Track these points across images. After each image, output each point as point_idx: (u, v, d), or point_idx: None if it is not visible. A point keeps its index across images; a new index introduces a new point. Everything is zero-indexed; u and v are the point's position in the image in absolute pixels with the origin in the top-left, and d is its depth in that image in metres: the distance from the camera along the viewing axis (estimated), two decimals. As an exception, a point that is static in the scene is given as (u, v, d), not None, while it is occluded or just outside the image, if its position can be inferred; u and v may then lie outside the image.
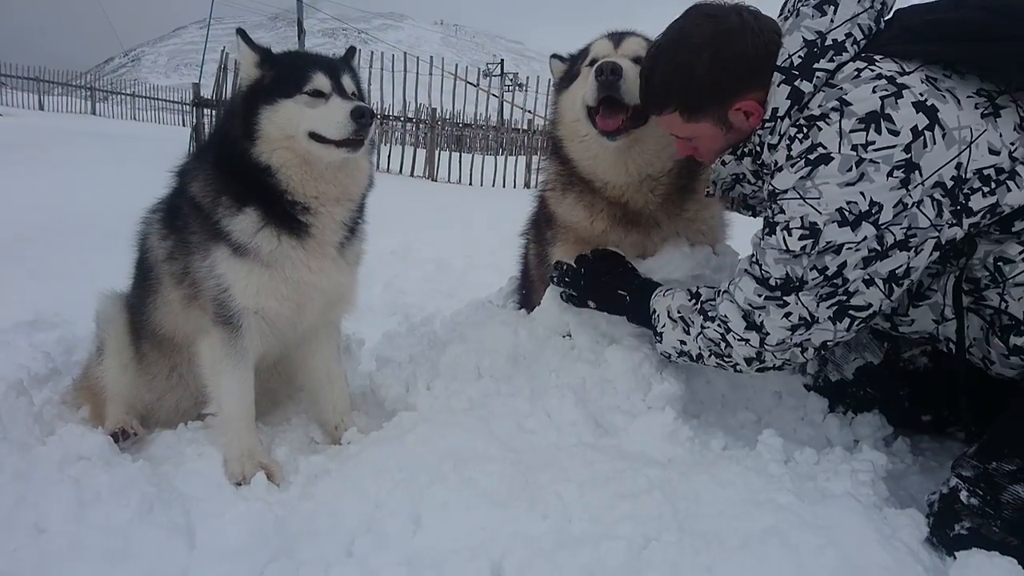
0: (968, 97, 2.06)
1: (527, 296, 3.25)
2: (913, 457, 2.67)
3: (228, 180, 2.54)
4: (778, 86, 2.17)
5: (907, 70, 2.07)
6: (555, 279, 2.79)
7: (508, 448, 2.36)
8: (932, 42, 2.11)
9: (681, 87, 2.28)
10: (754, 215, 3.16)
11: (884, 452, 2.47)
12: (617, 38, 2.72)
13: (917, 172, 1.99)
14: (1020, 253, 2.08)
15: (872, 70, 2.07)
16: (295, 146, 2.49)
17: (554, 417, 2.52)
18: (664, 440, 2.50)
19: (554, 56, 3.03)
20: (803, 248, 2.10)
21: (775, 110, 2.19)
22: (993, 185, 2.02)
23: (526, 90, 17.33)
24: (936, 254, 2.11)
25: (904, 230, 2.04)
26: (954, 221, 2.06)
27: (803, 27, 2.18)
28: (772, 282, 2.18)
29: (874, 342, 2.74)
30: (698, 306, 2.42)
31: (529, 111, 16.73)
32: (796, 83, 2.15)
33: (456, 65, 17.43)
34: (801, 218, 2.09)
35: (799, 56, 2.16)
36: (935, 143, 1.99)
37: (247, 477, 2.40)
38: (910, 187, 2.00)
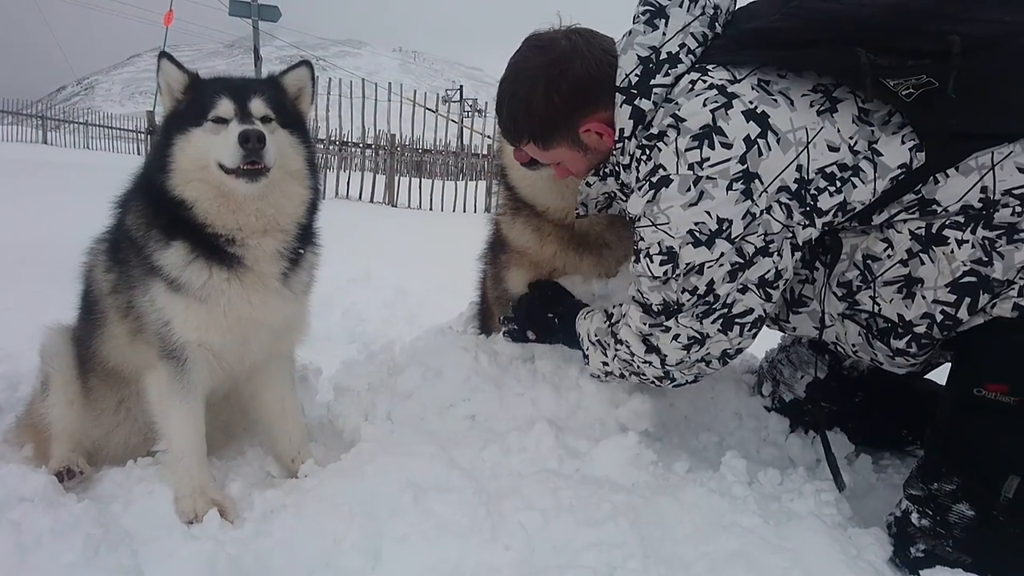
0: (803, 96, 2.07)
1: (486, 321, 3.23)
2: (876, 475, 2.68)
3: (156, 213, 2.46)
4: (620, 107, 2.19)
5: (738, 77, 2.08)
6: (504, 329, 2.86)
7: (470, 477, 2.31)
8: (754, 50, 2.13)
9: (524, 118, 2.33)
10: None
11: (847, 470, 2.47)
12: None
13: (757, 180, 2.01)
14: (885, 250, 2.08)
15: (704, 81, 2.09)
16: (209, 177, 2.40)
17: (516, 443, 2.48)
18: (628, 464, 2.48)
19: None
20: (665, 273, 2.13)
21: (622, 131, 2.21)
22: (839, 184, 2.03)
23: (485, 116, 17.43)
24: (799, 254, 2.13)
25: (762, 237, 2.05)
26: (806, 222, 2.07)
27: (636, 44, 2.20)
28: (654, 308, 2.21)
29: (815, 356, 2.75)
30: (610, 328, 2.44)
31: (489, 136, 16.80)
32: (636, 102, 2.17)
33: (415, 91, 17.47)
34: (658, 243, 2.12)
35: (636, 75, 2.17)
36: (770, 149, 2.00)
37: (199, 515, 2.31)
38: (754, 197, 2.01)
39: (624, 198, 2.43)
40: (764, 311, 2.18)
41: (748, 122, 2.00)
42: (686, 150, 2.03)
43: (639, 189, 2.15)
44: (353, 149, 17.10)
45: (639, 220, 2.17)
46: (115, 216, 2.64)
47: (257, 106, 2.45)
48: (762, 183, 2.01)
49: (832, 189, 2.03)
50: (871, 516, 2.39)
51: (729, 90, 2.04)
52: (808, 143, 2.01)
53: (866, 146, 2.02)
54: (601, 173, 2.39)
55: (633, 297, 2.29)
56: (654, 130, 2.12)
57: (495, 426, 2.58)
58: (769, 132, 2.00)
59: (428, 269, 7.08)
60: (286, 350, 2.80)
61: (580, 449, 2.49)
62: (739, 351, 2.29)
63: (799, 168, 2.01)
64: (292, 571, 2.05)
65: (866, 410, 2.74)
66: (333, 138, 16.86)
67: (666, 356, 2.27)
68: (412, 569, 2.00)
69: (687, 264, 2.09)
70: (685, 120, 2.05)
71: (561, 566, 1.96)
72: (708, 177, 2.01)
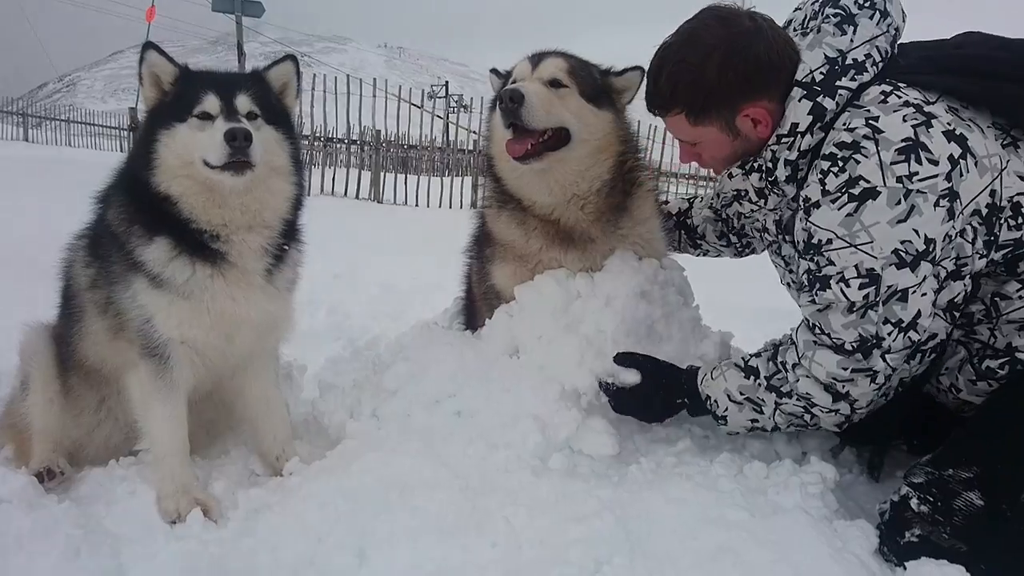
0: (988, 127, 2.10)
1: (472, 316, 3.21)
2: (860, 467, 2.69)
3: (138, 208, 2.43)
4: (799, 101, 2.16)
5: (930, 100, 2.08)
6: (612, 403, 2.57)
7: (455, 474, 2.30)
8: (953, 75, 2.13)
9: (688, 88, 2.25)
10: (704, 253, 3.18)
11: (832, 463, 2.48)
12: (536, 60, 2.72)
13: (958, 201, 1.99)
14: (1018, 290, 2.11)
15: (898, 96, 2.08)
16: (194, 173, 2.37)
17: (502, 439, 2.47)
18: (614, 459, 2.48)
19: (492, 71, 3.03)
20: (866, 298, 2.04)
21: (795, 125, 2.18)
22: (1021, 220, 2.04)
23: (471, 111, 17.39)
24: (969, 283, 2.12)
25: (954, 261, 2.04)
26: (984, 252, 2.07)
27: (825, 44, 2.19)
28: (848, 347, 2.10)
29: None
30: (763, 383, 2.31)
31: (474, 132, 16.77)
32: (818, 99, 2.14)
33: (400, 87, 17.38)
34: (855, 266, 2.04)
35: (821, 72, 2.15)
36: (969, 172, 2.00)
37: (182, 515, 2.29)
38: (955, 217, 1.99)
39: (755, 199, 2.40)
40: (946, 335, 2.14)
41: (950, 142, 1.99)
42: (892, 163, 1.98)
43: (832, 202, 2.05)
44: (338, 145, 17.02)
45: (828, 243, 2.07)
46: (96, 212, 2.61)
47: (243, 102, 2.44)
48: (961, 203, 2.00)
49: (1014, 223, 2.04)
50: (856, 509, 2.40)
51: (926, 110, 2.04)
52: (1002, 170, 2.03)
53: None
54: (747, 168, 2.35)
55: (815, 342, 2.16)
56: (844, 138, 2.06)
57: (481, 422, 2.56)
58: (968, 154, 2.00)
59: (414, 265, 7.04)
60: (270, 347, 2.78)
61: (566, 444, 2.48)
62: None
63: (992, 193, 2.02)
64: (277, 570, 2.04)
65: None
66: (318, 134, 16.78)
67: (856, 401, 2.17)
68: (398, 567, 1.99)
69: (889, 287, 2.01)
70: (884, 132, 2.01)
71: (547, 562, 1.96)
72: (919, 191, 1.96)
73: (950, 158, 1.98)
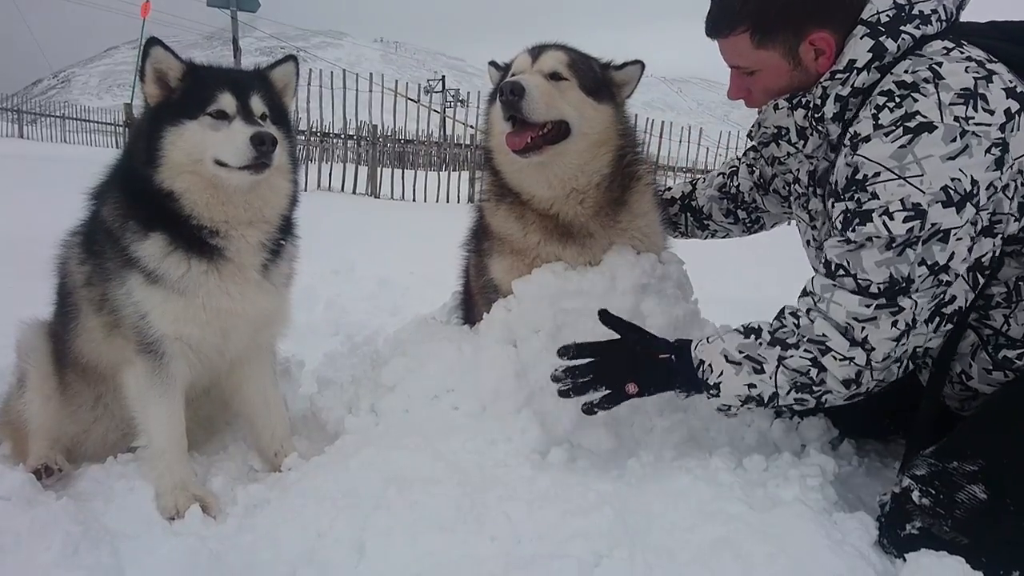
0: None
1: (470, 310, 3.20)
2: (859, 459, 2.70)
3: (134, 204, 2.42)
4: (861, 39, 2.16)
5: (993, 60, 2.09)
6: (568, 388, 2.35)
7: (454, 468, 2.30)
8: (1015, 44, 2.13)
9: (760, 3, 2.24)
10: (712, 235, 3.17)
11: (831, 455, 2.48)
12: (536, 52, 2.71)
13: (1008, 154, 1.99)
14: None
15: (961, 52, 2.08)
16: (202, 170, 2.37)
17: (501, 434, 2.47)
18: (613, 452, 2.47)
19: (491, 63, 3.02)
20: (909, 231, 1.98)
21: (852, 62, 2.17)
22: None
23: (467, 106, 17.36)
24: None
25: (990, 215, 2.02)
26: (1018, 216, 2.06)
27: None
28: (874, 289, 2.03)
29: None
30: (765, 339, 2.19)
31: (471, 126, 16.75)
32: (881, 39, 2.14)
33: (396, 82, 17.35)
34: (902, 200, 1.99)
35: (887, 15, 2.16)
36: (1021, 129, 2.00)
37: (181, 511, 2.29)
38: (1003, 169, 1.99)
39: (795, 139, 2.39)
40: (965, 303, 2.09)
41: (1008, 98, 1.99)
42: (951, 104, 1.98)
43: (885, 135, 2.03)
44: (335, 140, 17.00)
45: (874, 176, 2.03)
46: (90, 208, 2.60)
47: (257, 103, 2.45)
48: (1010, 157, 1.99)
49: None
50: (855, 501, 2.40)
51: (988, 67, 2.04)
52: None
53: None
54: (794, 102, 2.35)
55: (835, 284, 2.10)
56: (904, 78, 2.07)
57: (479, 417, 2.56)
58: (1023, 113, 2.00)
59: (411, 260, 7.03)
60: (267, 343, 2.78)
61: (565, 438, 2.48)
62: (926, 351, 2.19)
63: None
64: (276, 566, 2.03)
65: (852, 407, 2.75)
66: (315, 130, 16.76)
67: (873, 349, 2.06)
68: (397, 562, 1.99)
69: (933, 225, 1.97)
70: (945, 78, 2.01)
71: (547, 556, 1.95)
72: (974, 133, 1.96)
73: (1007, 111, 1.98)
